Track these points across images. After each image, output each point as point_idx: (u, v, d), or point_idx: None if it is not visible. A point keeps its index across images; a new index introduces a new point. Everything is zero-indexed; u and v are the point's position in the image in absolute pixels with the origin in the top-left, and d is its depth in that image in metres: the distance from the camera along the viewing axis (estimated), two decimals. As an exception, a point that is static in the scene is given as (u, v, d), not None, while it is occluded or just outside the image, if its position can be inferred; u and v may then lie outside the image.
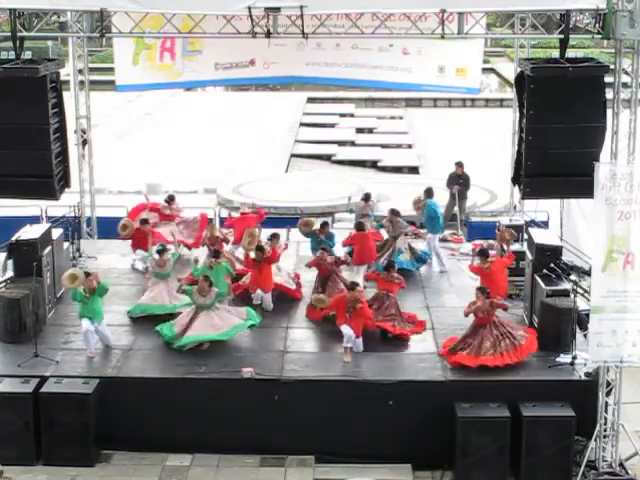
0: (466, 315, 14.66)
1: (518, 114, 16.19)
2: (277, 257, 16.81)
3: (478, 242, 19.58)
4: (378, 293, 15.81)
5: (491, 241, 18.91)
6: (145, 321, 15.88)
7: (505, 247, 17.28)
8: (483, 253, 16.25)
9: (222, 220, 20.87)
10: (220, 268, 15.95)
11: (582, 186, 13.42)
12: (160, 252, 16.40)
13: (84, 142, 20.43)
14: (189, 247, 18.98)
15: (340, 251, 17.82)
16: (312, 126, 41.00)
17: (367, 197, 19.58)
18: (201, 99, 47.79)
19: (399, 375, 14.14)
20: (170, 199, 19.69)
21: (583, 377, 13.93)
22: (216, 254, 16.35)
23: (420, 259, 18.70)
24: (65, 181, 15.64)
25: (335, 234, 18.44)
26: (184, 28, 15.05)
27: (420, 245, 18.97)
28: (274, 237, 17.02)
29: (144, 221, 18.36)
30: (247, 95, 47.91)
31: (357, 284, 15.17)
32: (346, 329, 14.68)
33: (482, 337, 14.35)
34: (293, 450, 13.81)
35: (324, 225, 18.28)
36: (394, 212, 18.65)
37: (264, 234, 17.70)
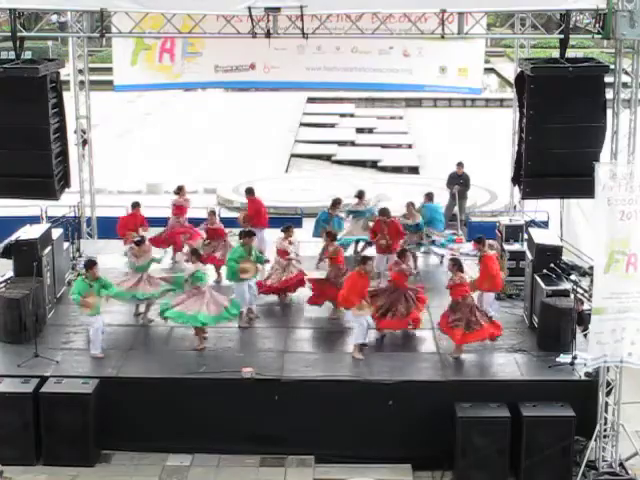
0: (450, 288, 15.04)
1: (518, 114, 16.20)
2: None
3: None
4: (387, 287, 15.73)
5: (491, 241, 18.90)
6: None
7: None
8: (480, 240, 15.88)
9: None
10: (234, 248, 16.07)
11: (582, 186, 13.43)
12: (138, 243, 16.25)
13: (84, 142, 20.42)
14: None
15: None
16: (312, 126, 40.95)
17: (361, 194, 19.54)
18: (201, 99, 47.76)
19: (399, 375, 14.15)
20: (179, 190, 19.52)
21: (583, 377, 13.94)
22: (246, 234, 16.26)
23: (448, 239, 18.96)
24: (65, 181, 15.66)
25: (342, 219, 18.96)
26: (184, 28, 15.06)
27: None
28: (288, 229, 17.14)
29: (136, 204, 18.65)
30: (247, 95, 47.87)
31: (369, 258, 15.39)
32: (357, 321, 14.77)
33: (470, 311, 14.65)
34: (293, 450, 13.82)
35: (337, 202, 18.82)
36: (411, 203, 18.88)
37: (268, 234, 17.91)
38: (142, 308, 16.22)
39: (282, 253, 16.99)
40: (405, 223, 18.55)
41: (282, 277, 16.80)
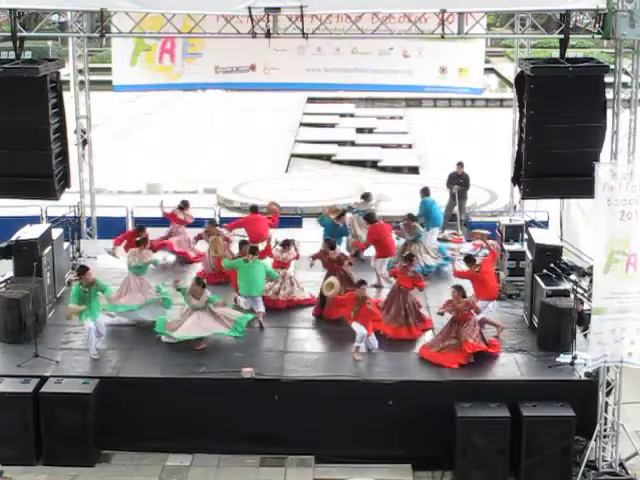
0: (441, 314, 14.93)
1: (518, 114, 16.20)
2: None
3: (478, 242, 19.59)
4: (392, 289, 15.94)
5: (491, 241, 18.91)
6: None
7: (485, 246, 17.46)
8: (469, 259, 16.10)
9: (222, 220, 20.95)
10: (256, 265, 15.94)
11: (582, 186, 13.43)
12: (139, 243, 16.22)
13: (84, 142, 20.42)
14: (190, 260, 19.11)
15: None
16: (312, 126, 40.96)
17: (366, 196, 19.65)
18: (201, 99, 47.79)
19: (399, 375, 14.15)
20: (184, 205, 19.57)
21: (583, 377, 13.94)
22: (253, 250, 16.13)
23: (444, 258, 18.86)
24: (65, 181, 15.66)
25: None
26: (184, 29, 15.06)
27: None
28: (287, 244, 17.15)
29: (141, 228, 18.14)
30: (247, 95, 47.87)
31: (364, 282, 15.21)
32: (358, 327, 14.73)
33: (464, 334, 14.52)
34: (293, 450, 13.81)
35: (343, 214, 18.66)
36: (411, 217, 18.71)
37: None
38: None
39: (280, 264, 17.03)
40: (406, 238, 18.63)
41: (286, 293, 16.87)
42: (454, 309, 14.71)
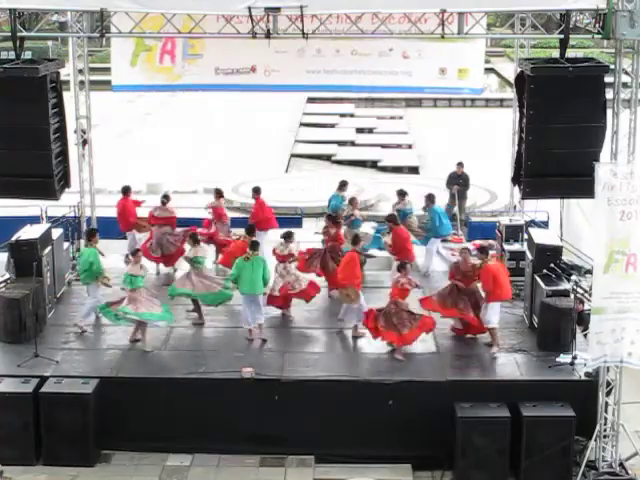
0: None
1: (518, 114, 16.21)
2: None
3: (478, 242, 19.59)
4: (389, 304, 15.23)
5: (491, 241, 18.93)
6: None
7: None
8: (484, 250, 15.64)
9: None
10: (257, 260, 15.72)
11: (582, 186, 13.44)
12: (134, 252, 15.78)
13: (84, 142, 20.39)
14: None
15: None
16: (312, 126, 40.96)
17: (352, 201, 19.39)
18: (201, 99, 47.79)
19: (399, 375, 14.16)
20: (165, 198, 19.53)
21: (583, 377, 13.95)
22: (253, 246, 15.80)
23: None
24: (65, 181, 15.67)
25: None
26: (184, 29, 15.05)
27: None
28: (289, 236, 16.71)
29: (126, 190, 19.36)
30: (247, 95, 47.76)
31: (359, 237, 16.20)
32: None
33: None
34: (293, 450, 13.82)
35: (342, 184, 19.46)
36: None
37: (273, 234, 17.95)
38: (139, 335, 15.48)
39: (284, 257, 16.63)
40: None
41: (293, 285, 16.43)
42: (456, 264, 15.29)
